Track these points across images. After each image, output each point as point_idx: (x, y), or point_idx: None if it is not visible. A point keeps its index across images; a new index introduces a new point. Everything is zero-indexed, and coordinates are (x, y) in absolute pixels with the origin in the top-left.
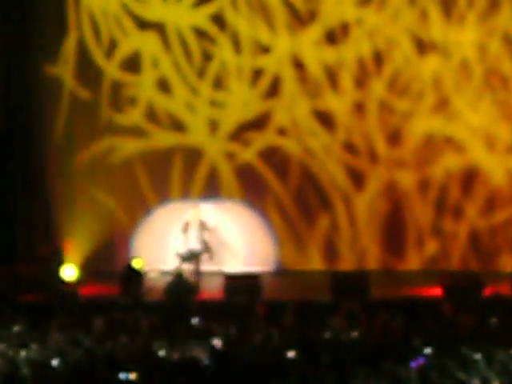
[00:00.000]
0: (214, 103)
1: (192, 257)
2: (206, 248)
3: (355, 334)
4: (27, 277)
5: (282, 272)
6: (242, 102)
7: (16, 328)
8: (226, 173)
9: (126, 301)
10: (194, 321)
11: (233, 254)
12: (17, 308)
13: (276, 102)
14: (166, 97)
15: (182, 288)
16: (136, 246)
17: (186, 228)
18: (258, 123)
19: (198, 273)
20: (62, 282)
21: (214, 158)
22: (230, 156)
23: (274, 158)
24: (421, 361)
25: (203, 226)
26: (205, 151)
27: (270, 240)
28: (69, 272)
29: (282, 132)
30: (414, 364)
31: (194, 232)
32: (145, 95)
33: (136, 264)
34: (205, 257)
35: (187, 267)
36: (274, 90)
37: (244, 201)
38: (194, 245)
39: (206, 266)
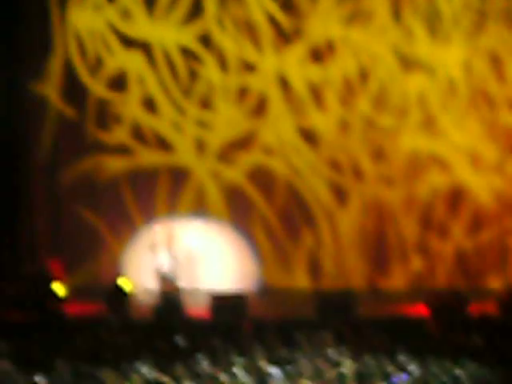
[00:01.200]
0: (200, 122)
1: (170, 276)
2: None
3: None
4: (13, 295)
5: (267, 290)
6: (228, 121)
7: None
8: (213, 192)
9: (112, 320)
10: (180, 340)
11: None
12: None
13: (261, 121)
14: (151, 115)
15: (169, 307)
16: (122, 265)
17: (153, 248)
18: (245, 142)
19: (179, 291)
20: (53, 299)
21: (200, 178)
22: (217, 176)
23: (259, 176)
24: (404, 378)
25: (172, 244)
26: (191, 170)
27: (255, 258)
28: (56, 290)
29: (267, 151)
30: (395, 380)
31: (163, 251)
32: (130, 113)
33: (124, 284)
34: (184, 275)
35: (171, 286)
36: (259, 108)
37: (230, 219)
38: (166, 263)
39: (187, 284)
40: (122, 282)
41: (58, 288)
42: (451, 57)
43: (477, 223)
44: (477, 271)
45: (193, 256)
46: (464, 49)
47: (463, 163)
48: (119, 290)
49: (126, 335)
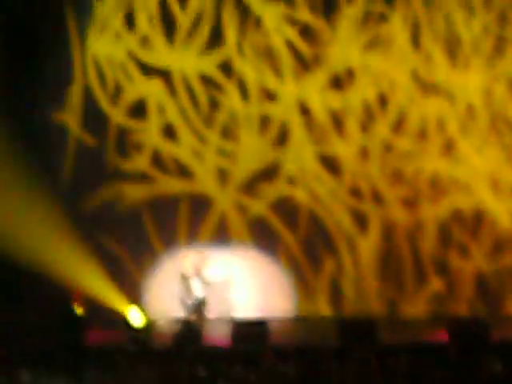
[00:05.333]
0: (222, 152)
1: (197, 305)
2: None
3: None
4: (32, 322)
5: (290, 318)
6: (250, 150)
7: (23, 376)
8: (236, 222)
9: (132, 348)
10: (201, 369)
11: (232, 288)
12: (23, 354)
13: (284, 150)
14: (172, 143)
15: (190, 336)
16: (144, 293)
17: (184, 279)
18: (268, 173)
19: (203, 320)
20: (74, 326)
21: (223, 208)
22: (241, 207)
23: (283, 206)
24: None
25: (201, 274)
26: (214, 200)
27: (281, 286)
28: (77, 317)
29: (291, 180)
30: None
31: (194, 280)
32: (151, 142)
33: (133, 320)
34: (212, 304)
35: (194, 315)
36: (281, 137)
37: (253, 247)
38: (197, 293)
39: (214, 313)
40: (131, 316)
41: (79, 314)
42: (471, 82)
43: (498, 248)
44: (497, 296)
45: (220, 284)
46: (483, 74)
47: (484, 188)
48: (127, 325)
49: (145, 363)
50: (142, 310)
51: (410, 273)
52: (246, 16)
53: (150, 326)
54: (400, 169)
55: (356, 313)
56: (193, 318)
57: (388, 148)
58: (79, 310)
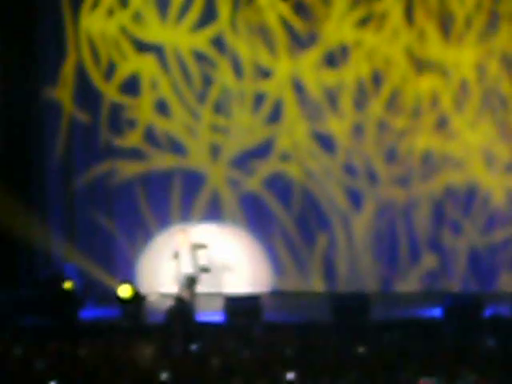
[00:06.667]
0: (214, 128)
1: (190, 281)
2: (203, 268)
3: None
4: (28, 300)
5: (282, 293)
6: (244, 127)
7: (17, 352)
8: (229, 198)
9: (126, 324)
10: (194, 344)
11: (230, 273)
12: (18, 332)
13: (277, 127)
14: (165, 120)
15: (182, 312)
16: (136, 269)
17: (176, 255)
18: (262, 149)
19: (196, 295)
20: (68, 304)
21: (216, 184)
22: (234, 183)
23: (277, 184)
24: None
25: (195, 248)
26: (206, 176)
27: (271, 262)
28: (70, 294)
29: (284, 157)
30: None
31: (186, 256)
32: (144, 118)
33: (123, 292)
34: (204, 278)
35: (186, 291)
36: (274, 113)
37: (246, 223)
38: (189, 269)
39: (206, 288)
40: (121, 289)
41: (72, 291)
42: (464, 58)
43: (491, 224)
44: (490, 272)
45: (213, 261)
46: (477, 50)
47: (477, 164)
48: (120, 301)
49: (138, 339)
50: (135, 285)
51: (403, 249)
52: None
53: (142, 302)
54: (393, 146)
55: (348, 289)
56: (185, 294)
57: (382, 125)
58: (68, 286)
